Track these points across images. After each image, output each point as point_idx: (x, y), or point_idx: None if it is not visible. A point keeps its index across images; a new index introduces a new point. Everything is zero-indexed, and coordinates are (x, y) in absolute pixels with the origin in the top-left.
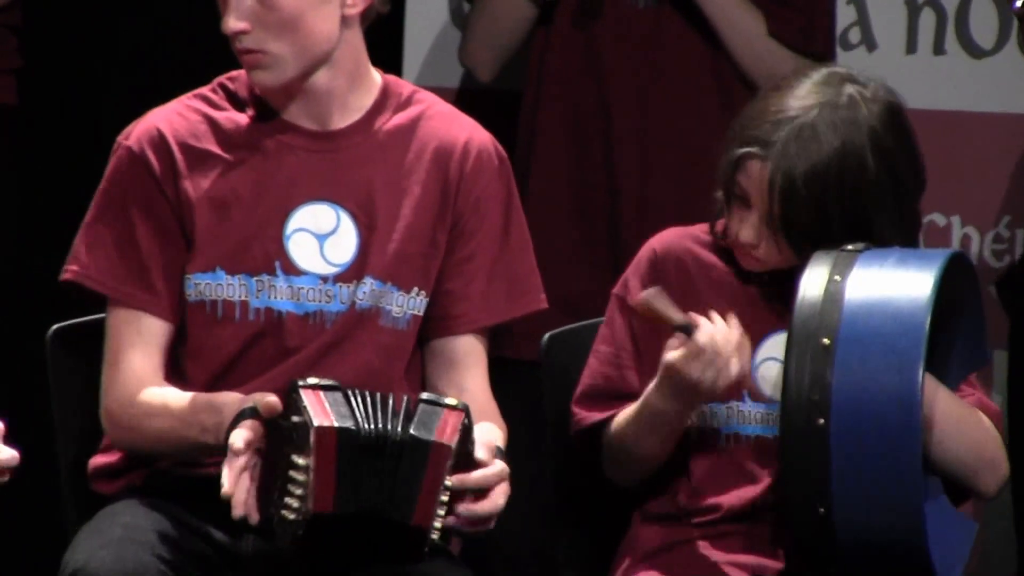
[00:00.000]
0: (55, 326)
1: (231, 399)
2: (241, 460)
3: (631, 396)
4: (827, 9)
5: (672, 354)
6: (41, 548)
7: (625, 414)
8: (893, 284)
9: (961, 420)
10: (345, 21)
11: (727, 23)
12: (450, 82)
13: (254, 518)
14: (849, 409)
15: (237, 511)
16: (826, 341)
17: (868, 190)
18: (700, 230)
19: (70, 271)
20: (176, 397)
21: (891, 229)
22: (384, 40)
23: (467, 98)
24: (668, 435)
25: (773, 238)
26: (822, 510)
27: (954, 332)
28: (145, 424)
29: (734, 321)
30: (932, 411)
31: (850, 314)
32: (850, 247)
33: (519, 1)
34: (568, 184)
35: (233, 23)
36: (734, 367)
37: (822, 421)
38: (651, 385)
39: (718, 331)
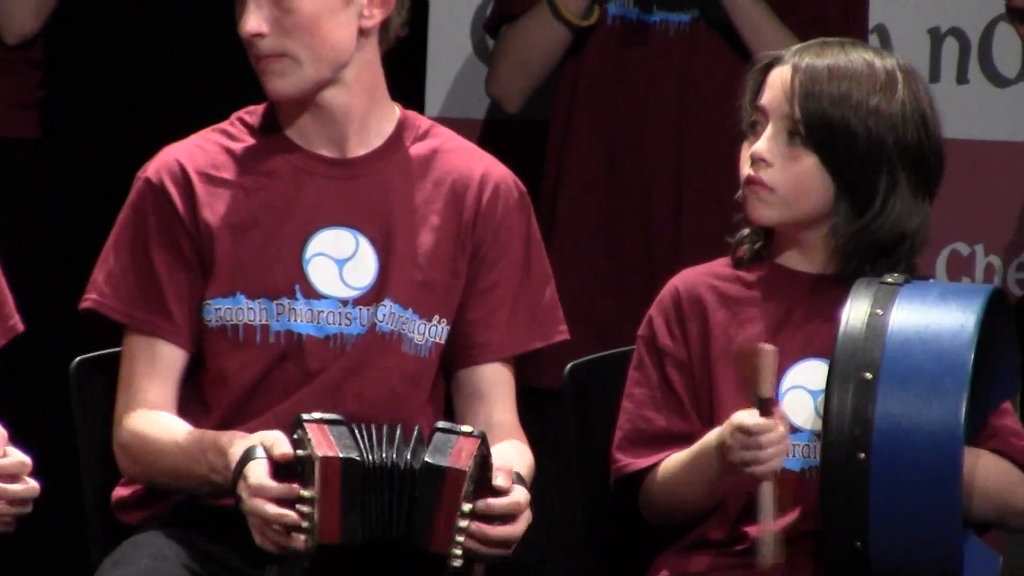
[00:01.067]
0: (79, 358)
1: (236, 440)
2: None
3: (670, 437)
4: (862, 33)
5: (743, 417)
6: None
7: (674, 461)
8: (936, 320)
9: (979, 478)
10: (362, 33)
11: (764, 46)
12: (473, 114)
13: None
14: (890, 445)
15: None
16: (868, 375)
17: (892, 116)
18: (720, 264)
19: (88, 299)
20: (185, 435)
21: (907, 197)
22: (407, 74)
23: (491, 129)
24: (715, 489)
25: (789, 149)
26: (859, 544)
27: (991, 365)
28: (156, 460)
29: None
30: (972, 477)
31: (893, 349)
32: (890, 279)
33: (554, 27)
34: (599, 213)
35: (251, 25)
36: (763, 467)
37: (863, 456)
38: (709, 437)
39: (780, 430)
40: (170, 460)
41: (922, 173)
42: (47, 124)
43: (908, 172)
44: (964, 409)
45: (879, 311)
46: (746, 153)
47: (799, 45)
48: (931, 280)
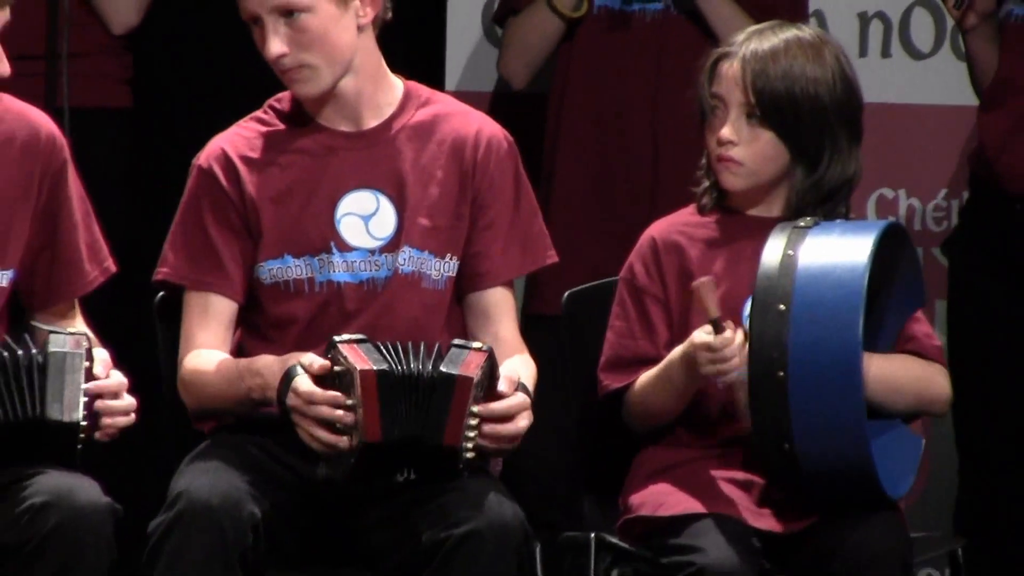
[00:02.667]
0: (161, 293)
1: (268, 362)
2: (316, 409)
3: (645, 361)
4: (803, 17)
5: (700, 336)
6: (154, 478)
7: (646, 377)
8: (836, 256)
9: (896, 379)
10: (360, 29)
11: (725, 27)
12: (485, 87)
13: (343, 445)
14: (803, 363)
15: (344, 445)
16: (782, 307)
17: (824, 78)
18: (687, 213)
19: (161, 272)
20: (225, 365)
21: (845, 151)
22: (429, 54)
23: (500, 100)
24: (680, 396)
25: (750, 130)
26: (787, 446)
27: (895, 282)
28: (205, 390)
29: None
30: (891, 378)
31: (801, 283)
32: (802, 223)
33: (550, 19)
34: (590, 170)
35: (275, 49)
36: (732, 375)
37: (782, 374)
38: (673, 354)
39: (737, 341)
40: (214, 388)
41: (853, 125)
42: (138, 96)
43: (843, 127)
44: (860, 328)
45: (790, 252)
46: (710, 134)
47: (741, 35)
48: (836, 221)
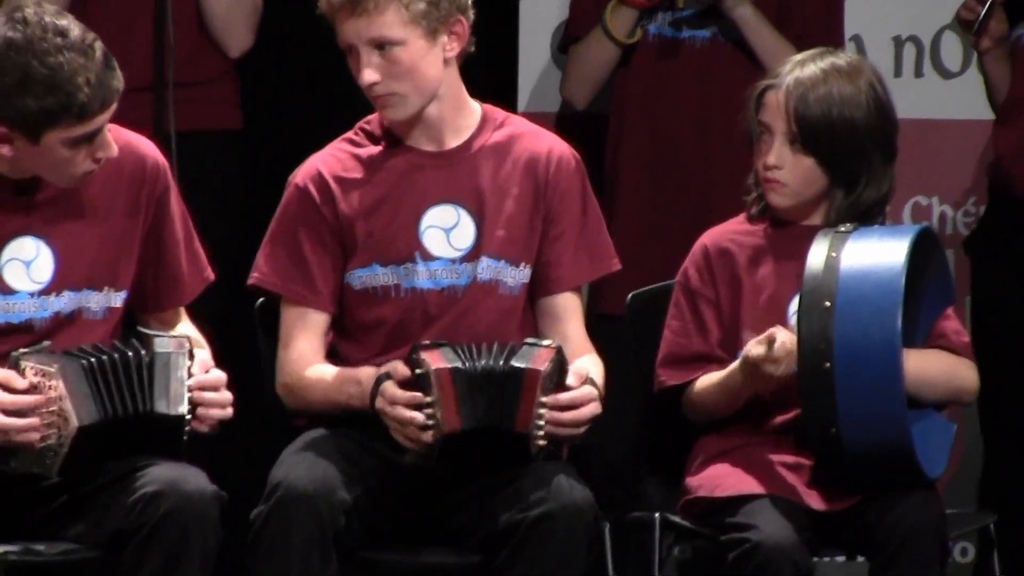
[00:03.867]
0: (262, 299)
1: (367, 373)
2: (398, 410)
3: (698, 358)
4: (840, 41)
5: (756, 350)
6: (257, 467)
7: (705, 383)
8: (876, 257)
9: (929, 371)
10: (446, 62)
11: (767, 54)
12: (551, 108)
13: (425, 439)
14: (847, 355)
15: (424, 438)
16: (827, 304)
17: (858, 100)
18: (736, 222)
19: (253, 278)
20: (328, 374)
21: (881, 173)
22: (503, 78)
23: (565, 120)
24: (738, 399)
25: (793, 156)
26: (833, 430)
27: (928, 282)
28: (308, 395)
29: (790, 336)
30: (924, 371)
31: (844, 282)
32: (843, 229)
33: (607, 45)
34: (647, 183)
35: (368, 77)
36: (786, 369)
37: (828, 365)
38: (732, 368)
39: (788, 343)
40: (319, 393)
41: (887, 147)
42: (248, 118)
43: (877, 150)
44: (900, 322)
45: (834, 254)
46: (758, 158)
47: (785, 66)
48: (875, 226)
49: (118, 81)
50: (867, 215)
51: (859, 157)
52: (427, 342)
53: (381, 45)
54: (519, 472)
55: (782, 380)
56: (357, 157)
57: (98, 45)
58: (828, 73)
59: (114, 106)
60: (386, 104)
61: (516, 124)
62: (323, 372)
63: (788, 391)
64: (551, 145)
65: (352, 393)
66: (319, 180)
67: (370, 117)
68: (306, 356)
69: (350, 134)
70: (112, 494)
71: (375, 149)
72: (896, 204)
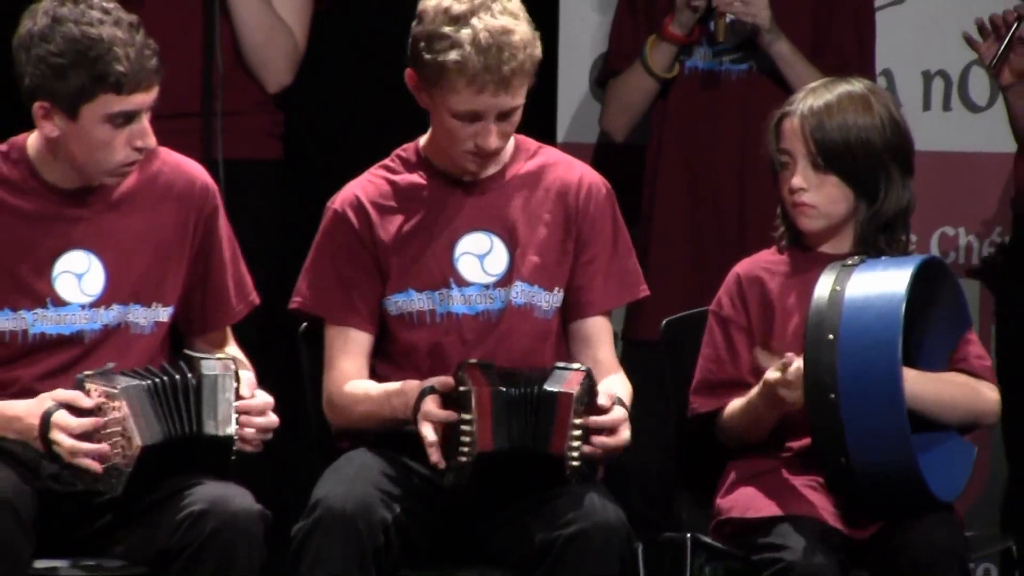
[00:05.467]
0: (303, 325)
1: (412, 386)
2: (430, 423)
3: (730, 384)
4: (871, 75)
5: (772, 375)
6: (301, 487)
7: (733, 408)
8: (877, 290)
9: (943, 394)
10: None
11: (801, 85)
12: (589, 139)
13: (441, 464)
14: (851, 385)
15: (434, 459)
16: (831, 336)
17: (874, 124)
18: (768, 254)
19: (295, 302)
20: (374, 388)
21: (899, 184)
22: (542, 109)
23: (603, 151)
24: (762, 424)
25: (817, 176)
26: (843, 459)
27: (940, 309)
28: (353, 409)
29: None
30: (942, 395)
31: (847, 316)
32: (850, 262)
33: (646, 79)
34: (684, 213)
35: (494, 144)
36: (800, 394)
37: (833, 396)
38: (753, 393)
39: (797, 369)
40: (364, 408)
41: (905, 161)
42: (288, 149)
43: (895, 163)
44: (899, 351)
45: (838, 287)
46: (783, 184)
47: (799, 94)
48: (881, 257)
49: (157, 67)
50: (890, 227)
51: (878, 168)
52: (473, 361)
53: (508, 114)
54: (554, 492)
55: (798, 404)
56: (393, 184)
57: (141, 28)
58: (841, 98)
59: (154, 92)
60: (483, 163)
61: (548, 154)
62: (367, 388)
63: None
64: (582, 173)
65: (396, 405)
66: (357, 206)
67: (407, 145)
68: (349, 374)
69: (387, 161)
70: (160, 512)
71: (411, 176)
72: (923, 234)
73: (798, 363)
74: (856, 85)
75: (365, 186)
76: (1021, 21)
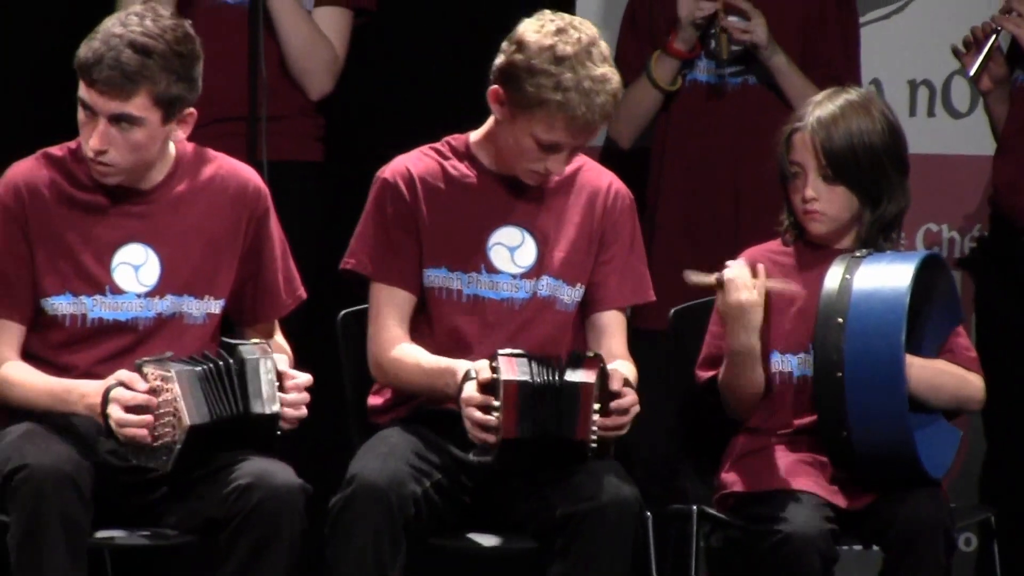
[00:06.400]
0: (343, 311)
1: (461, 366)
2: (469, 410)
3: None
4: (857, 79)
5: (697, 278)
6: (338, 463)
7: (723, 366)
8: (883, 279)
9: (935, 380)
10: None
11: (797, 96)
12: (597, 143)
13: (491, 440)
14: (856, 365)
15: (485, 438)
16: (840, 320)
17: (874, 129)
18: (773, 244)
19: (346, 263)
20: (425, 360)
21: (899, 188)
22: None
23: (610, 153)
24: (751, 366)
25: (827, 187)
26: (844, 433)
27: (936, 301)
28: (401, 374)
29: (740, 265)
30: (932, 381)
31: (855, 301)
32: (858, 254)
33: (651, 91)
34: (685, 210)
35: (561, 168)
36: (748, 295)
37: (839, 374)
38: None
39: (735, 268)
40: (415, 378)
41: (901, 162)
42: (328, 151)
43: (894, 167)
44: (903, 337)
45: (847, 276)
46: (794, 193)
47: (807, 107)
48: (886, 252)
49: (123, 81)
50: (889, 227)
51: (881, 177)
52: (508, 351)
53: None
54: (573, 469)
55: (749, 305)
56: (442, 166)
57: (155, 51)
58: (844, 109)
59: (113, 102)
60: (546, 181)
61: (581, 160)
62: (418, 357)
63: (807, 398)
64: (611, 181)
65: (449, 383)
66: (407, 177)
67: (457, 135)
68: (396, 335)
69: (437, 144)
70: (208, 485)
71: (459, 164)
72: (909, 230)
73: (735, 263)
74: (854, 94)
75: (415, 161)
76: (997, 33)
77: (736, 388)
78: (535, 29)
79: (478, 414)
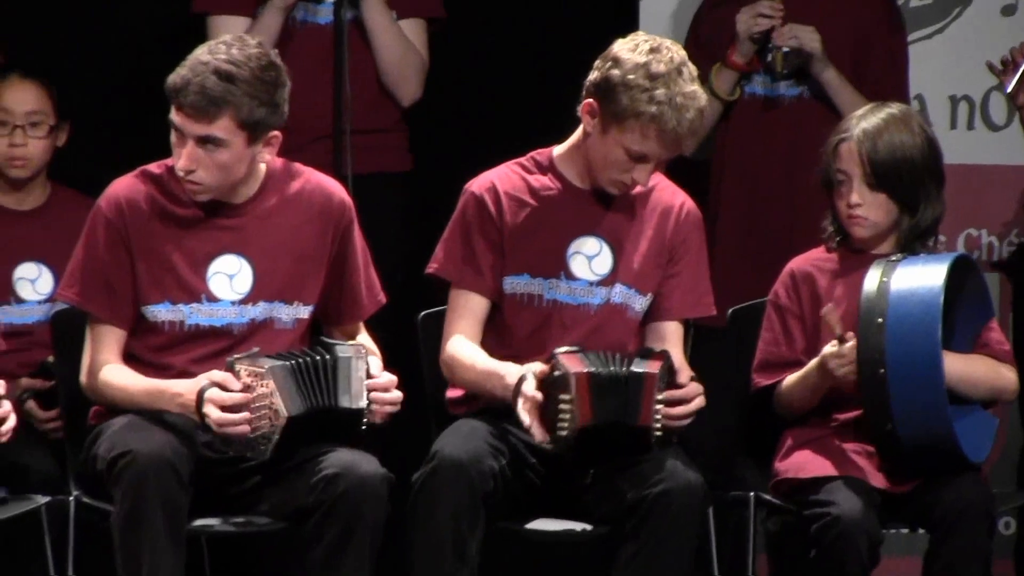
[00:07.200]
0: (423, 312)
1: (514, 370)
2: (529, 404)
3: (786, 363)
4: (906, 96)
5: (829, 349)
6: (419, 453)
7: (790, 381)
8: (919, 281)
9: (972, 374)
10: None
11: (848, 108)
12: None
13: (545, 439)
14: (897, 362)
15: (538, 438)
16: (880, 320)
17: (915, 143)
18: (818, 252)
19: (431, 267)
20: (480, 362)
21: (935, 197)
22: None
23: (675, 164)
24: (815, 394)
25: (871, 194)
26: (889, 427)
27: (967, 298)
28: (456, 371)
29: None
30: (969, 374)
31: (893, 302)
32: (894, 258)
33: (713, 104)
34: (742, 217)
35: (648, 183)
36: (849, 368)
37: (882, 371)
38: (810, 365)
39: (852, 346)
40: (467, 376)
41: (938, 173)
42: (416, 161)
43: (931, 177)
44: (940, 334)
45: (885, 279)
46: (839, 199)
47: (851, 120)
48: (920, 255)
49: (207, 104)
50: (926, 233)
51: (919, 187)
52: (564, 348)
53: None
54: (641, 458)
55: (849, 376)
56: (526, 181)
57: (239, 77)
58: (887, 122)
59: (199, 124)
60: (626, 190)
61: (656, 178)
62: (474, 359)
63: (854, 392)
64: (684, 200)
65: (496, 386)
66: (493, 192)
67: (542, 150)
68: (465, 337)
69: (523, 160)
70: (299, 475)
71: (542, 178)
72: (952, 235)
73: (853, 342)
74: (895, 108)
75: (502, 177)
76: None
77: (801, 406)
78: (629, 48)
79: (526, 416)
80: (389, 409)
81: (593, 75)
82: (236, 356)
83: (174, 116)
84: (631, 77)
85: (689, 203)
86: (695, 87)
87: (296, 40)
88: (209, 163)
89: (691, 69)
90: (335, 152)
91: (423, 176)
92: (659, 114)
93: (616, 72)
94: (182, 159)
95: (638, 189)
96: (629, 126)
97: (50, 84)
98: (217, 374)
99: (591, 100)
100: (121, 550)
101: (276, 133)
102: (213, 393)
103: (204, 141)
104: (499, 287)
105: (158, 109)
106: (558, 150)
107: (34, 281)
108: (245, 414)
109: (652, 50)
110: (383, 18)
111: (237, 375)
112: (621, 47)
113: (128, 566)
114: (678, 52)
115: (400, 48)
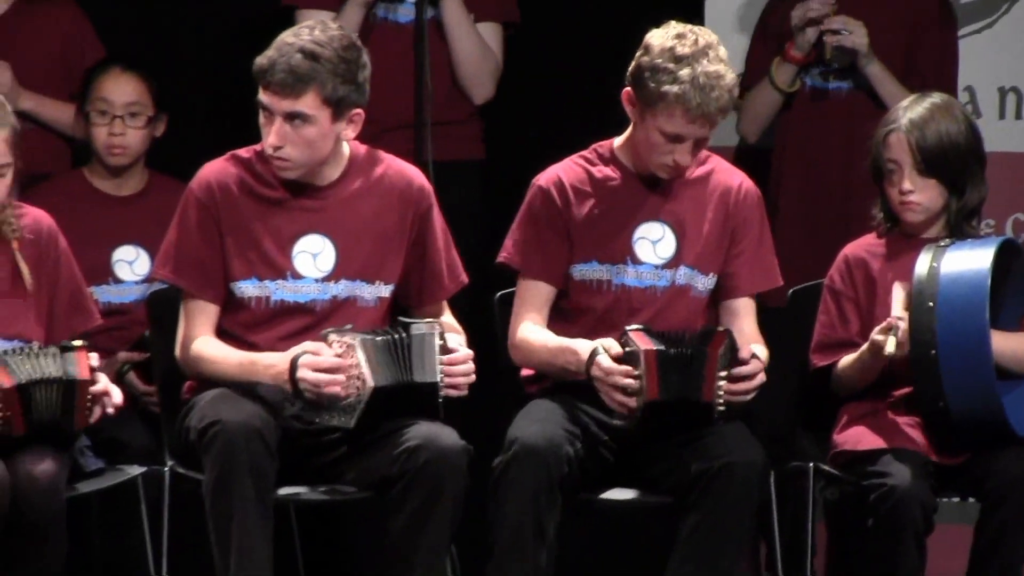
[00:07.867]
0: (499, 293)
1: (584, 345)
2: (613, 378)
3: (841, 344)
4: (954, 89)
5: (876, 335)
6: (496, 428)
7: (845, 362)
8: (967, 264)
9: (1019, 352)
10: None
11: (893, 100)
12: (731, 143)
13: (634, 406)
14: (948, 343)
15: (632, 405)
16: (931, 304)
17: (960, 129)
18: (870, 238)
19: (501, 257)
20: (551, 341)
21: (979, 179)
22: None
23: (740, 152)
24: (870, 373)
25: (922, 180)
26: (941, 404)
27: (1011, 281)
28: (530, 356)
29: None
30: (1016, 351)
31: (944, 286)
32: (943, 243)
33: (773, 93)
34: (802, 204)
35: (688, 162)
36: (898, 350)
37: (934, 352)
38: (863, 348)
39: (904, 330)
40: (542, 358)
41: (980, 155)
42: (488, 150)
43: (975, 160)
44: (987, 315)
45: (935, 264)
46: (891, 187)
47: (898, 111)
48: (967, 240)
49: (294, 81)
50: (972, 214)
51: (965, 170)
52: (635, 326)
53: (703, 140)
54: (704, 431)
55: (897, 357)
56: (589, 172)
57: (320, 56)
58: (932, 111)
59: (284, 100)
60: (684, 171)
61: (715, 162)
62: (545, 339)
63: (907, 371)
64: (741, 180)
65: (569, 360)
66: (559, 185)
67: (603, 142)
68: (532, 323)
69: (586, 152)
70: (382, 446)
71: (605, 169)
72: (1000, 219)
73: (904, 325)
74: (937, 98)
75: (567, 170)
76: None
77: (856, 385)
78: (660, 35)
79: (623, 380)
80: (462, 381)
81: (631, 65)
82: (330, 329)
83: (262, 96)
84: (658, 61)
85: (747, 183)
86: (720, 67)
87: (376, 36)
88: (296, 139)
89: (720, 52)
90: (416, 141)
91: (496, 165)
92: (681, 93)
93: (646, 59)
94: (271, 136)
95: (694, 172)
96: (658, 108)
97: (149, 77)
98: (310, 344)
99: (628, 88)
100: (212, 515)
101: (359, 111)
102: (307, 358)
103: (291, 117)
104: (565, 275)
105: (249, 100)
106: (618, 141)
107: (132, 263)
108: (340, 376)
109: (679, 35)
110: (462, 21)
111: (329, 345)
112: (653, 35)
113: (219, 531)
114: (706, 36)
115: (477, 51)
